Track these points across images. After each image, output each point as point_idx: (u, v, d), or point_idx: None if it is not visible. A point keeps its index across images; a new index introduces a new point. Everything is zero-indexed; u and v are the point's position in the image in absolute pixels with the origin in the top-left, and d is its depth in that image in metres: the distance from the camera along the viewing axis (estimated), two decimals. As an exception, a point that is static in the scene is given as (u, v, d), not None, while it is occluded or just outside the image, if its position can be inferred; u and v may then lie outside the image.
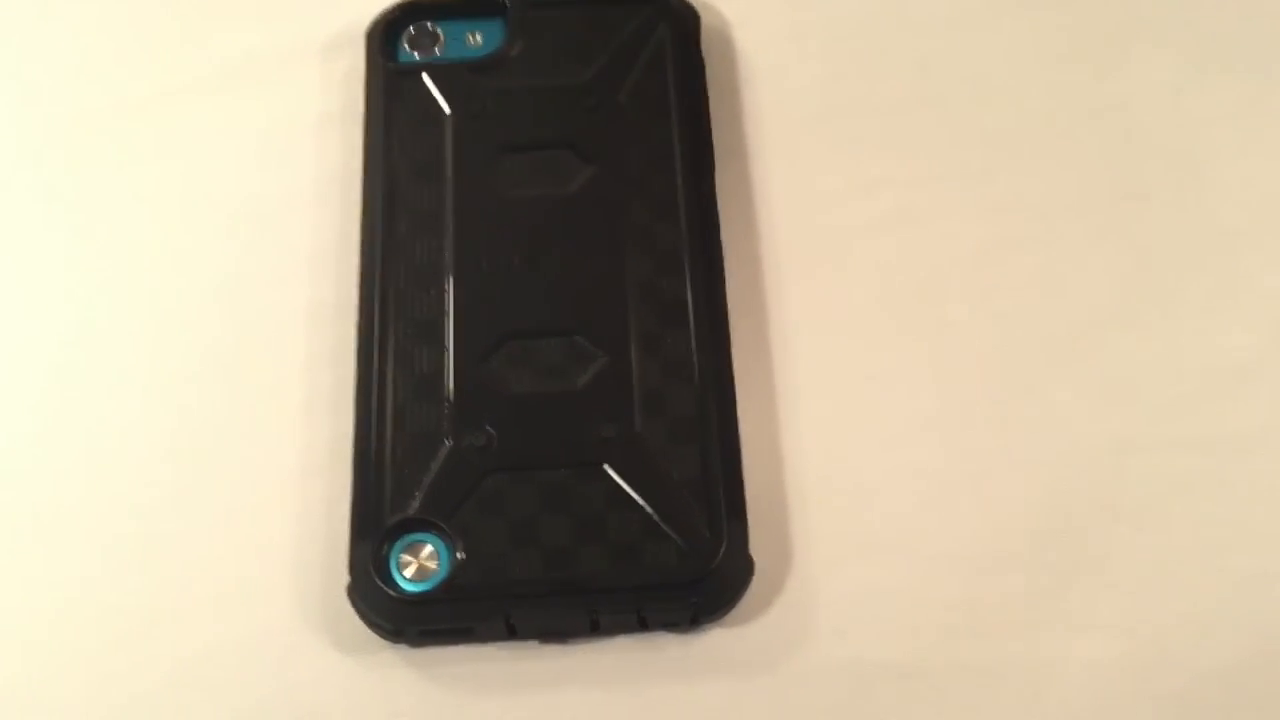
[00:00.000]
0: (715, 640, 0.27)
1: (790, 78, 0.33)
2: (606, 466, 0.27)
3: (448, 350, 0.29)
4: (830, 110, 0.33)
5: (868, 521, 0.28)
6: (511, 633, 0.27)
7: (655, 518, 0.27)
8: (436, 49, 0.32)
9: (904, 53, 0.34)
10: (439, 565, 0.27)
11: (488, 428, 0.28)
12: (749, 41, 0.34)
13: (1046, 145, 0.32)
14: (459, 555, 0.27)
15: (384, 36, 0.32)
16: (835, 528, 0.28)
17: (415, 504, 0.27)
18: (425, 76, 0.32)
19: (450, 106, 0.31)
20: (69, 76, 0.34)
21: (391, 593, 0.26)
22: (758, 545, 0.27)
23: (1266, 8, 0.34)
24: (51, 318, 0.31)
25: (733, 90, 0.33)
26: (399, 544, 0.27)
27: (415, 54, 0.32)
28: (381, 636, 0.27)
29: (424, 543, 0.27)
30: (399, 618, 0.27)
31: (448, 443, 0.28)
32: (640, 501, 0.27)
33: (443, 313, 0.29)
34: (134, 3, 0.34)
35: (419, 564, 0.27)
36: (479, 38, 0.32)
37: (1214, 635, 0.27)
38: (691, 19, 0.33)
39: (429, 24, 0.32)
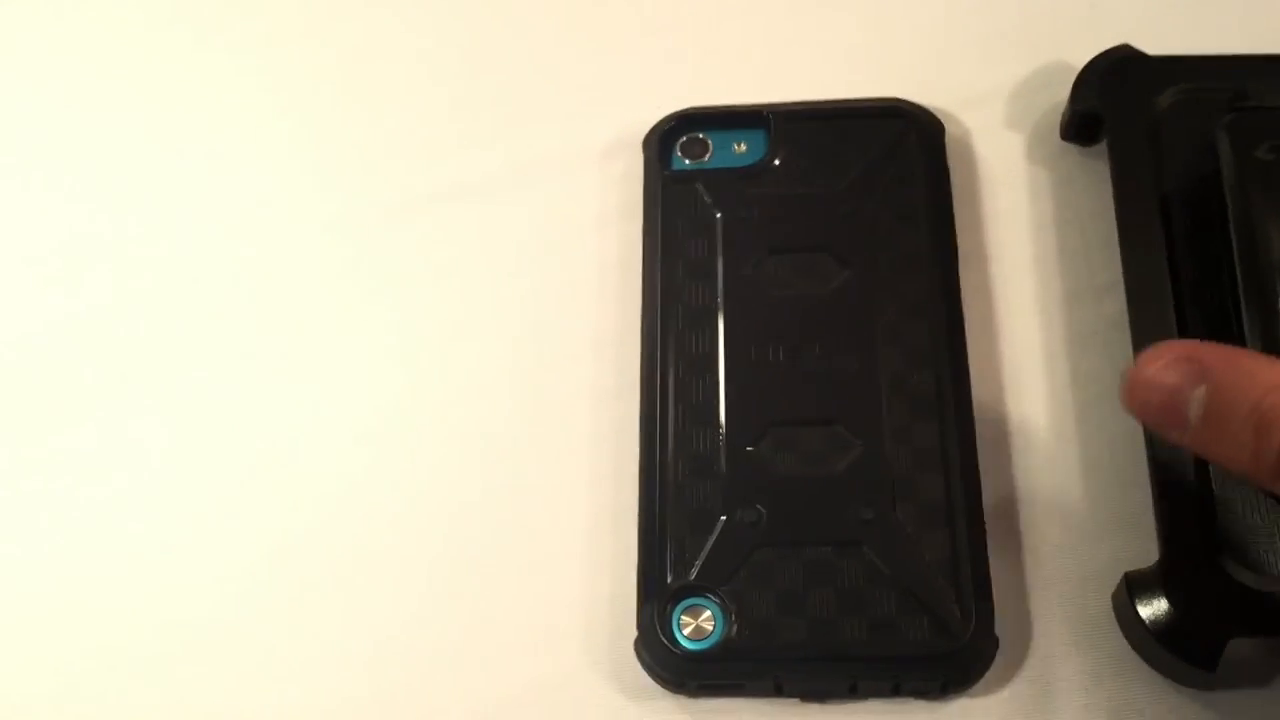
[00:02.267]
0: (961, 709, 0.30)
1: (1026, 183, 0.36)
2: (865, 547, 0.31)
3: (721, 433, 0.32)
4: (1064, 215, 0.36)
5: (1103, 604, 0.31)
6: (778, 691, 0.30)
7: (909, 595, 0.30)
8: (706, 157, 0.36)
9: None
10: (715, 627, 0.30)
11: (758, 506, 0.31)
12: (988, 149, 0.37)
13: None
14: (733, 619, 0.30)
15: (660, 145, 0.36)
16: (1072, 610, 0.31)
17: (694, 571, 0.31)
18: (698, 184, 0.35)
19: (720, 211, 0.35)
20: (371, 174, 0.38)
21: (674, 650, 0.30)
22: (1001, 624, 0.30)
23: None
24: (364, 401, 0.35)
25: (973, 195, 0.36)
26: (680, 606, 0.31)
27: (687, 161, 0.36)
28: (663, 686, 0.31)
29: (702, 606, 0.31)
30: (681, 672, 0.30)
31: (722, 518, 0.31)
32: (896, 580, 0.30)
33: (716, 399, 0.33)
34: (431, 107, 0.39)
35: (697, 625, 0.30)
36: (744, 147, 0.36)
37: None
38: (937, 130, 0.36)
39: (700, 134, 0.36)
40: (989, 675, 0.30)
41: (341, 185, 0.38)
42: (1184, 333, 0.32)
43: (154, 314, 0.37)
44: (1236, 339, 0.31)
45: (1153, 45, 0.36)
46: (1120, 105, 0.34)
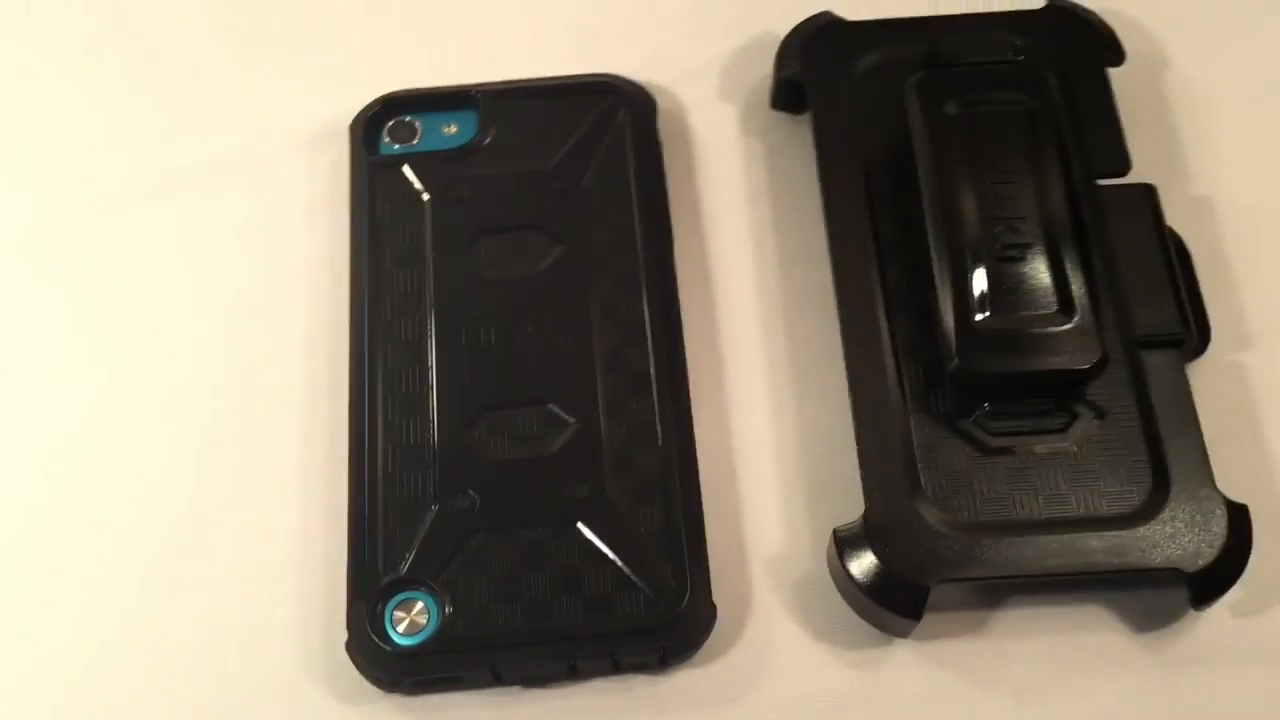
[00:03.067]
0: (683, 680, 0.30)
1: (741, 154, 0.36)
2: (580, 524, 0.30)
3: (432, 422, 0.31)
4: (777, 183, 0.36)
5: (820, 565, 0.31)
6: (497, 679, 0.29)
7: (625, 570, 0.30)
8: (415, 140, 0.35)
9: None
10: (429, 620, 0.29)
11: (471, 492, 0.31)
12: (702, 122, 0.37)
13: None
14: (447, 610, 0.29)
15: (366, 130, 0.35)
16: (791, 574, 0.31)
17: (406, 564, 0.30)
18: (405, 167, 0.34)
19: (429, 194, 0.34)
20: (65, 167, 0.36)
21: (386, 647, 0.29)
22: (720, 592, 0.30)
23: None
24: (60, 402, 0.33)
25: (689, 168, 0.36)
26: (392, 602, 0.30)
27: (395, 145, 0.35)
28: (378, 687, 0.30)
29: (415, 600, 0.30)
30: (394, 670, 0.29)
31: (434, 507, 0.30)
32: (611, 556, 0.30)
33: (427, 387, 0.32)
34: (128, 97, 0.37)
35: (411, 619, 0.29)
36: (454, 128, 0.35)
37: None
38: (648, 105, 0.36)
39: (408, 117, 0.35)
40: (709, 644, 0.30)
41: (33, 183, 0.36)
42: (886, 293, 0.32)
43: None
44: (933, 296, 0.31)
45: (853, 11, 0.36)
46: (820, 72, 0.35)
